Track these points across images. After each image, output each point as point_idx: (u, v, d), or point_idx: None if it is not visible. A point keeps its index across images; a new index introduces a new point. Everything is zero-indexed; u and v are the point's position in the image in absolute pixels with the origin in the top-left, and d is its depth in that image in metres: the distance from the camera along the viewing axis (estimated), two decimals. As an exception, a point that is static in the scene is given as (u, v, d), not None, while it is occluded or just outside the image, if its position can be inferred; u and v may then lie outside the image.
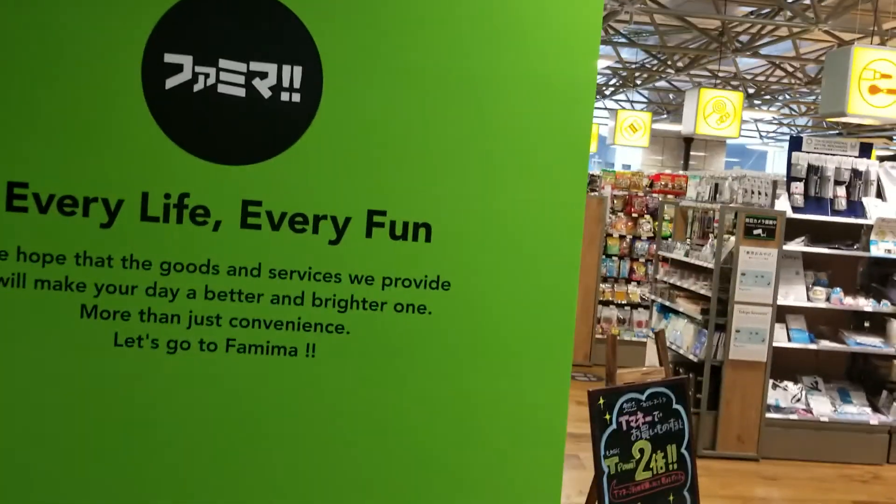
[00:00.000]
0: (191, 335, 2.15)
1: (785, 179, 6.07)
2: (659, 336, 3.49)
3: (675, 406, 3.34)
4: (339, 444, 2.36)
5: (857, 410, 6.05)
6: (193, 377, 2.18)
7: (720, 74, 14.74)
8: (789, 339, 5.96)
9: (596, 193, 8.52)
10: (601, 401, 3.09)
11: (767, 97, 18.04)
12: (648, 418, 3.25)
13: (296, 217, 2.19)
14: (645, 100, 21.48)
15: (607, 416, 3.11)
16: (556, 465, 2.59)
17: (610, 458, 3.12)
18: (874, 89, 6.53)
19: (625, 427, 3.17)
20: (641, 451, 3.22)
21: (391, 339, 2.34)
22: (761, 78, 15.66)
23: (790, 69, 14.52)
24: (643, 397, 3.24)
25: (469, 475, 2.47)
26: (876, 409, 6.09)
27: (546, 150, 2.34)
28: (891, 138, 21.92)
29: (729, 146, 24.95)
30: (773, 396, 5.98)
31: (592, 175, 8.76)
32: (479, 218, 2.33)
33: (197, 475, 2.24)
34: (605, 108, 20.39)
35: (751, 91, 16.78)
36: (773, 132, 24.46)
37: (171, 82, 2.05)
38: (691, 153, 23.36)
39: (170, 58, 2.05)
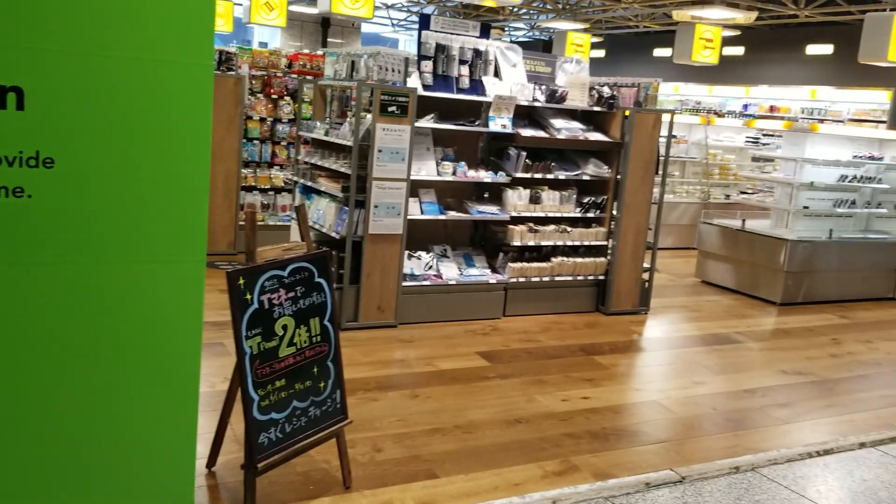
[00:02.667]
0: None
1: (416, 58, 6.32)
2: (300, 210, 3.43)
3: (318, 279, 3.36)
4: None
5: (479, 272, 6.77)
6: None
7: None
8: (422, 212, 6.38)
9: (233, 73, 8.08)
10: (241, 281, 2.97)
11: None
12: (291, 294, 3.22)
13: None
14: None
15: (248, 296, 3.01)
16: (194, 356, 2.46)
17: (252, 338, 3.06)
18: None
19: (267, 305, 3.11)
20: (285, 327, 3.20)
21: (-22, 229, 1.95)
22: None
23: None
24: (285, 273, 3.20)
25: (103, 367, 2.23)
26: (494, 270, 6.87)
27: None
28: (503, 28, 24.15)
29: (364, 35, 25.46)
30: (409, 266, 6.41)
31: (228, 52, 8.26)
32: (86, 80, 1.99)
33: None
34: (239, -14, 19.27)
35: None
36: (404, 20, 25.45)
37: None
38: (328, 40, 23.43)
39: None
